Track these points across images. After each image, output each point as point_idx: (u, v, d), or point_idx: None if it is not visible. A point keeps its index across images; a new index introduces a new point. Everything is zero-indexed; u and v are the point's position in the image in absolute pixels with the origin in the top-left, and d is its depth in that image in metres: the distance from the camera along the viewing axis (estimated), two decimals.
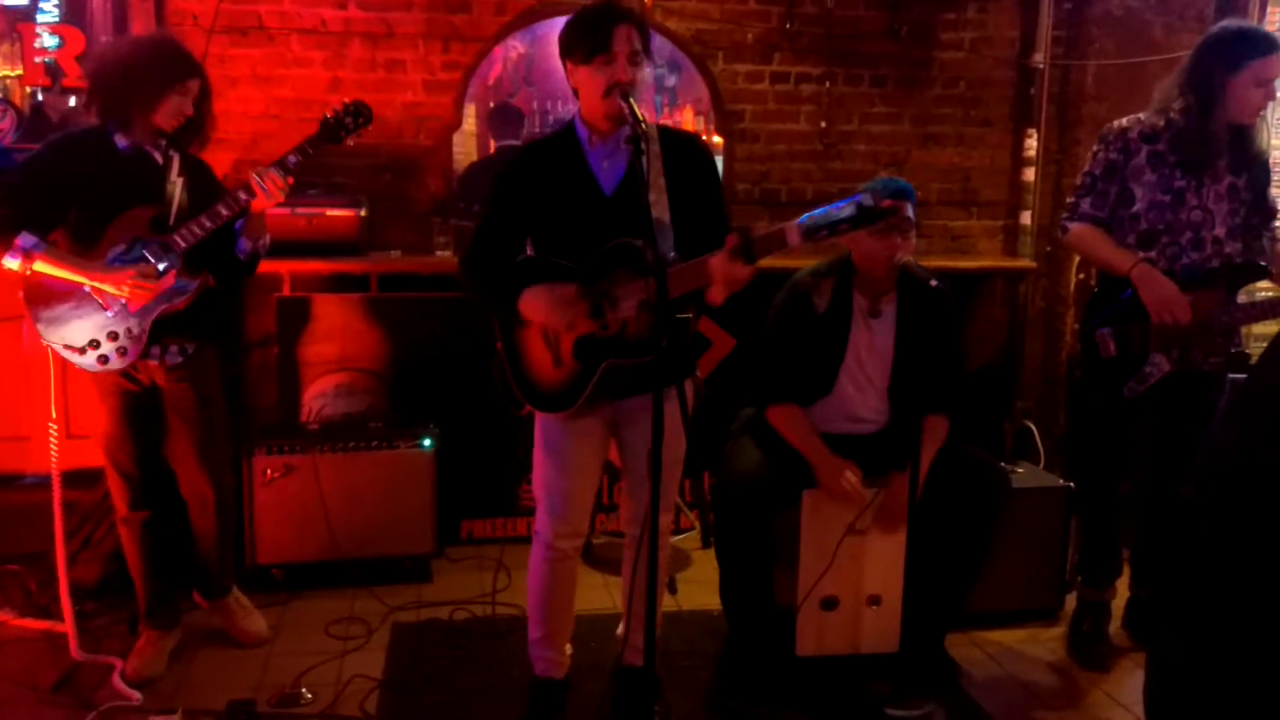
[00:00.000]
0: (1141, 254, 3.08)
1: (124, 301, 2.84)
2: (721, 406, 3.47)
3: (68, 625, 3.06)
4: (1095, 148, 3.20)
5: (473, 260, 2.65)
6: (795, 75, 4.55)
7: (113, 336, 2.86)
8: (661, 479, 2.27)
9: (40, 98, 4.18)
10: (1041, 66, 4.62)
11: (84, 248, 2.84)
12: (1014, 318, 4.82)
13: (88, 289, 2.82)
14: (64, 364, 2.92)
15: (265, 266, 3.47)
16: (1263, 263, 3.12)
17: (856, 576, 3.10)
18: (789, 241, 2.27)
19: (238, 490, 3.41)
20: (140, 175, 2.90)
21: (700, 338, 4.18)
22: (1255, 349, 3.88)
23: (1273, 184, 3.23)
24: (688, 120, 6.20)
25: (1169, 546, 3.25)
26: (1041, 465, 4.30)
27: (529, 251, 2.69)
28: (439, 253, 4.26)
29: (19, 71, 4.13)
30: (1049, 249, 4.72)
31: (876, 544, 3.07)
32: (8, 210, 2.75)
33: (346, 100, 3.04)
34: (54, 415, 2.91)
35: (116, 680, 2.97)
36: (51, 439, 2.92)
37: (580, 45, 2.45)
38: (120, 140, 2.88)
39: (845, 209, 2.19)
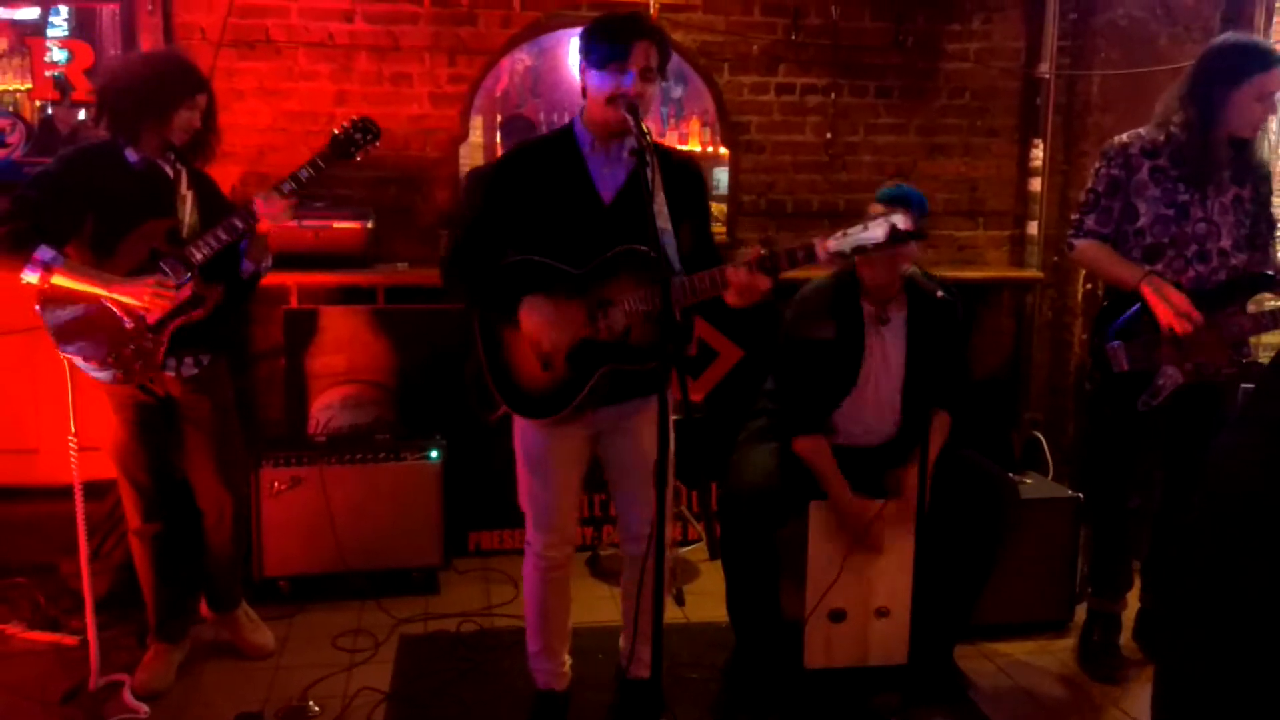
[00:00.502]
0: (1149, 267, 3.08)
1: (142, 314, 2.85)
2: (727, 417, 3.47)
3: (91, 650, 3.00)
4: (1097, 164, 3.20)
5: (460, 261, 2.61)
6: (800, 86, 4.56)
7: (130, 349, 2.86)
8: (648, 492, 2.26)
9: (49, 112, 4.21)
10: (1047, 77, 4.62)
11: (99, 261, 2.85)
12: (1021, 328, 4.81)
13: (105, 302, 2.83)
14: (75, 375, 2.92)
15: (272, 279, 3.49)
16: (1270, 273, 3.11)
17: (864, 588, 3.09)
18: (818, 259, 2.29)
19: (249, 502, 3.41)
20: (153, 189, 2.91)
21: (707, 349, 4.18)
22: (1265, 359, 3.87)
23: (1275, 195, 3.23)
24: (694, 131, 6.22)
25: (1177, 557, 3.24)
26: (1050, 476, 4.29)
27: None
28: None
29: (28, 86, 4.16)
30: (1056, 259, 4.72)
31: (884, 555, 3.06)
32: (24, 224, 2.73)
33: (354, 116, 3.05)
34: (73, 429, 2.90)
35: (125, 694, 2.96)
36: (71, 452, 2.91)
37: (598, 49, 2.45)
38: (131, 155, 2.89)
39: (876, 230, 2.20)
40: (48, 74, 4.11)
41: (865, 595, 3.09)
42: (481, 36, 4.30)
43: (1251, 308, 3.12)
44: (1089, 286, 4.65)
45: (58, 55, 4.12)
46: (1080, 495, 3.50)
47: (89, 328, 2.84)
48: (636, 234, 2.38)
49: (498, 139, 6.20)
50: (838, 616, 3.10)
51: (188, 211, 2.96)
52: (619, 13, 2.51)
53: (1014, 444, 4.58)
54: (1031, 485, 3.56)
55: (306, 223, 3.91)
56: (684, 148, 6.01)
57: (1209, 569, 1.77)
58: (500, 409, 2.66)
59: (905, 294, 3.05)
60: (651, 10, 4.23)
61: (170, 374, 2.96)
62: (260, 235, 2.99)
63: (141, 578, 3.14)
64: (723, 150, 4.76)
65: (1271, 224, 3.18)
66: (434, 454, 3.72)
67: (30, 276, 2.73)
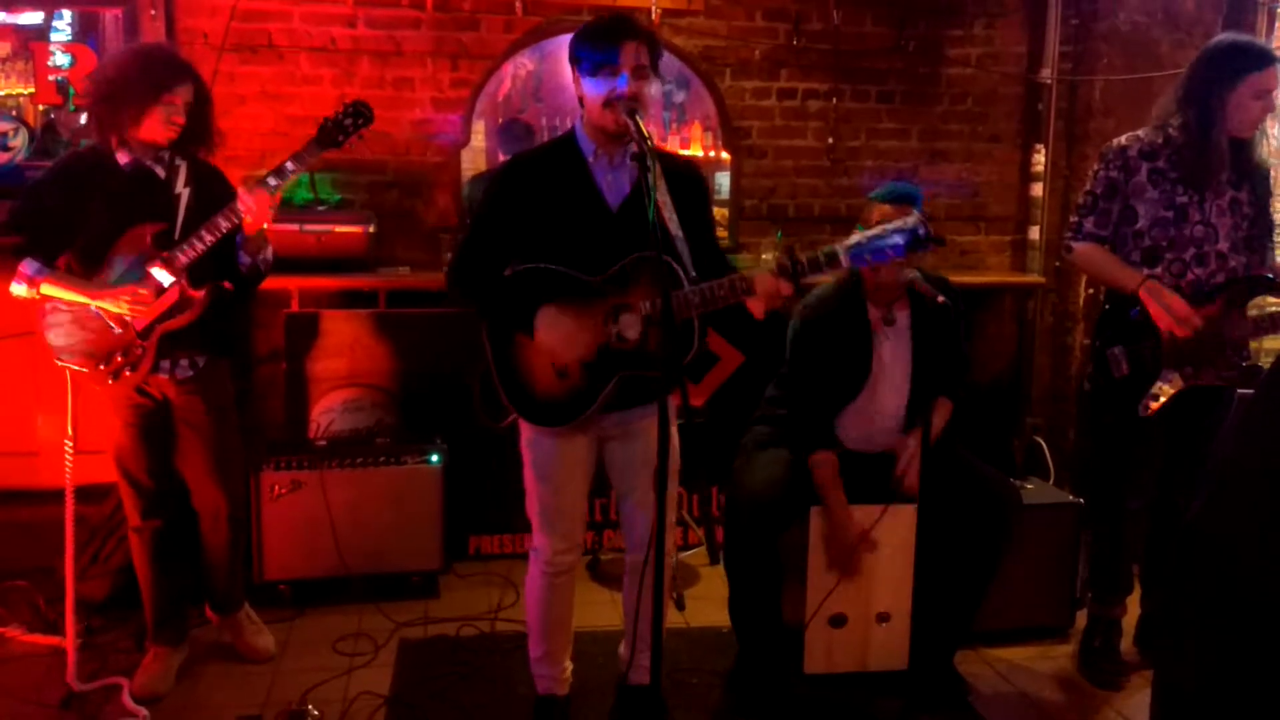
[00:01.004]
0: (1147, 271, 3.08)
1: (128, 319, 2.87)
2: (730, 422, 3.46)
3: (69, 653, 3.02)
4: (1095, 167, 3.20)
5: (467, 271, 2.60)
6: (802, 91, 4.56)
7: (121, 352, 2.89)
8: (651, 497, 2.26)
9: (52, 116, 4.22)
10: (1049, 82, 4.63)
11: (91, 267, 2.87)
12: (1023, 333, 4.81)
13: (94, 308, 2.85)
14: (75, 379, 2.94)
15: (274, 282, 3.49)
16: (1269, 276, 3.11)
17: (865, 593, 3.08)
18: (841, 264, 2.31)
19: (246, 505, 3.41)
20: (143, 192, 2.91)
21: (708, 353, 4.17)
22: (1266, 363, 3.86)
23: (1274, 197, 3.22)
24: (696, 136, 6.21)
25: (1175, 561, 3.23)
26: (1051, 481, 4.28)
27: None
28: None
29: (31, 90, 4.17)
30: (1058, 264, 4.72)
31: (885, 560, 3.05)
32: (20, 238, 2.82)
33: (346, 102, 2.99)
34: (70, 434, 2.92)
35: (124, 697, 2.96)
36: (67, 457, 2.93)
37: (586, 56, 2.45)
38: (122, 157, 2.89)
39: (895, 238, 2.21)
40: (51, 78, 4.13)
41: (866, 600, 3.09)
42: (484, 41, 4.31)
43: (1251, 311, 3.12)
44: (1090, 291, 4.65)
45: (61, 60, 4.13)
46: (1081, 500, 3.49)
47: (80, 333, 2.88)
48: (644, 241, 2.38)
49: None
50: (838, 621, 3.09)
51: (184, 208, 2.95)
52: (602, 17, 2.51)
53: (1015, 449, 4.58)
54: (1033, 490, 3.56)
55: (308, 227, 3.92)
56: (686, 153, 6.01)
57: (1209, 574, 1.77)
58: (510, 416, 2.66)
59: (907, 294, 3.05)
60: (653, 16, 4.24)
61: (164, 376, 2.97)
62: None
63: (140, 575, 3.14)
64: (724, 155, 4.76)
65: (1270, 226, 3.18)
66: (434, 458, 3.72)
67: (18, 289, 2.81)
